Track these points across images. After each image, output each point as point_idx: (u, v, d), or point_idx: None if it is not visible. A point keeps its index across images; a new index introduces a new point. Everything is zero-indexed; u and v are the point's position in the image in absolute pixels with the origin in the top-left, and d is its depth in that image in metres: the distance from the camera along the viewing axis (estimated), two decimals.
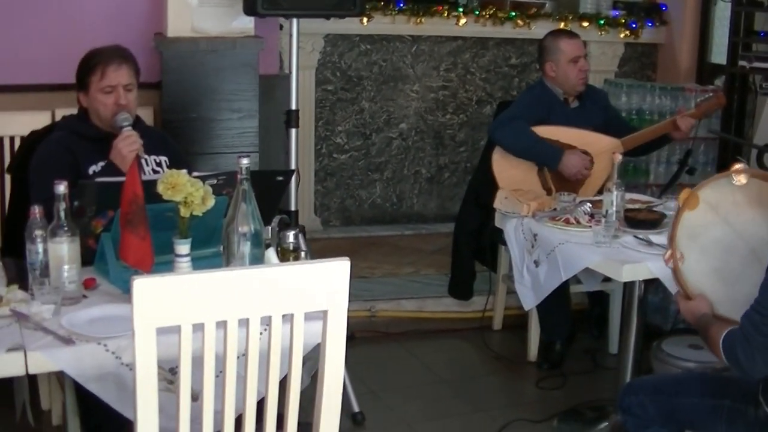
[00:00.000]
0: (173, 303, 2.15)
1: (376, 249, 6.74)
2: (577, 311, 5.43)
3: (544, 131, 4.97)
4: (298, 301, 2.27)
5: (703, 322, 2.99)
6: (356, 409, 4.46)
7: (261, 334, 2.29)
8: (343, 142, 7.07)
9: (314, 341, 2.47)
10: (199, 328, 2.20)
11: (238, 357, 2.26)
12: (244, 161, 2.90)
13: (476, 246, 5.48)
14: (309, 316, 2.33)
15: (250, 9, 4.59)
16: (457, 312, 5.66)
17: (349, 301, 5.40)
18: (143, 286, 2.12)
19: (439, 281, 5.89)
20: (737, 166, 3.10)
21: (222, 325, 2.21)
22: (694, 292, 3.08)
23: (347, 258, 2.32)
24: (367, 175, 7.18)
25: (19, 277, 3.10)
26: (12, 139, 4.65)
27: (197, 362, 2.24)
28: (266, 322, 2.27)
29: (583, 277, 4.79)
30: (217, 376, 2.27)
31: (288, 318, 2.29)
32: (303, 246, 4.73)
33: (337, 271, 2.29)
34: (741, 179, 3.01)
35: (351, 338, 5.22)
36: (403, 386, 4.87)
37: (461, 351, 5.37)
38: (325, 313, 2.32)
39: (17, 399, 2.88)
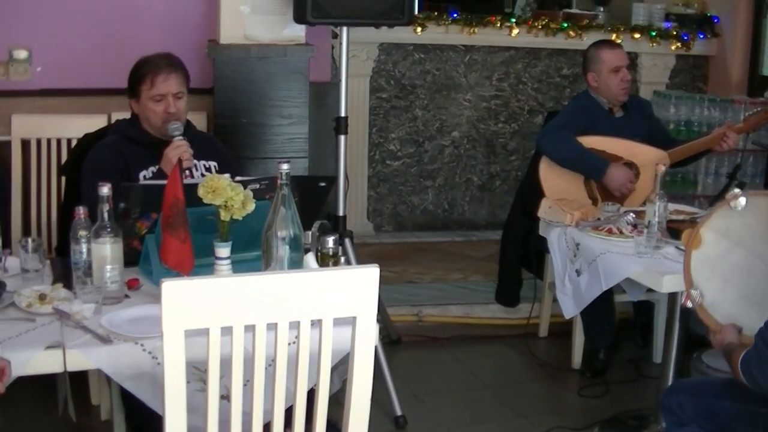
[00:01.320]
0: (202, 305, 2.13)
1: (427, 255, 6.70)
2: (622, 320, 5.36)
3: (590, 141, 4.89)
4: (327, 307, 2.23)
5: (728, 351, 2.96)
6: (399, 412, 4.41)
7: (291, 344, 2.25)
8: (396, 149, 7.05)
9: (347, 348, 2.43)
10: (229, 331, 2.18)
11: (269, 365, 2.24)
12: (284, 166, 2.88)
13: (523, 253, 5.43)
14: (340, 322, 2.30)
15: (299, 17, 4.57)
16: (504, 318, 5.61)
17: (397, 305, 5.45)
18: (172, 288, 2.10)
19: (487, 288, 5.84)
20: (732, 192, 3.04)
21: (251, 329, 2.18)
22: (724, 322, 3.02)
23: (377, 265, 2.28)
24: (420, 182, 7.15)
25: (65, 276, 3.11)
26: (69, 141, 4.69)
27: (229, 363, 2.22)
28: (296, 327, 2.24)
29: (627, 287, 4.71)
30: (246, 383, 2.25)
31: (317, 324, 2.26)
32: (350, 251, 4.73)
33: (366, 278, 2.24)
34: (740, 203, 2.95)
35: (398, 342, 5.25)
36: (446, 390, 4.82)
37: (506, 357, 5.31)
38: (354, 319, 2.28)
39: (59, 394, 2.87)
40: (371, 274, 2.24)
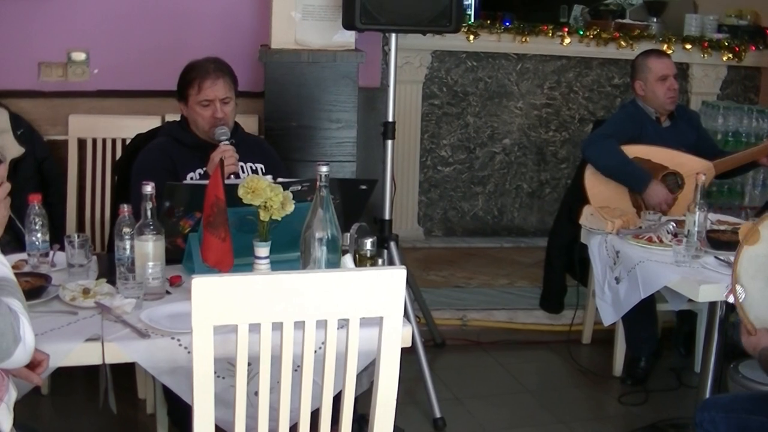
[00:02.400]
0: (230, 302, 2.15)
1: (475, 260, 6.69)
2: (666, 329, 5.31)
3: (636, 150, 4.86)
4: (353, 307, 2.24)
5: (764, 355, 2.91)
6: (438, 414, 4.41)
7: (317, 350, 2.27)
8: (447, 155, 7.05)
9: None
10: (259, 328, 2.20)
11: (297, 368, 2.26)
12: (323, 169, 2.89)
13: (568, 260, 5.39)
14: (369, 323, 2.31)
15: (348, 23, 4.58)
16: (548, 325, 5.58)
17: (443, 309, 5.44)
18: (202, 285, 2.12)
19: (532, 293, 5.82)
20: None
21: (279, 326, 2.20)
22: (758, 326, 2.98)
23: (404, 267, 2.28)
24: (470, 188, 7.14)
25: (110, 272, 3.15)
26: (123, 141, 4.75)
27: (274, 360, 2.24)
28: (323, 326, 2.25)
29: (669, 296, 4.67)
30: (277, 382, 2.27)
31: (345, 325, 2.27)
32: (395, 254, 4.74)
33: (393, 279, 2.25)
34: None
35: (442, 345, 5.26)
36: (487, 394, 4.81)
37: (548, 363, 5.29)
38: (380, 319, 2.28)
39: (100, 386, 2.91)
40: (398, 275, 2.25)
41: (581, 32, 6.92)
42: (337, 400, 2.36)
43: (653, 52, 5.19)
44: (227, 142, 3.81)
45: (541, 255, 5.79)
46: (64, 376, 4.31)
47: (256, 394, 2.29)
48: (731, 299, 3.01)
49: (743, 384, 4.04)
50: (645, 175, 4.78)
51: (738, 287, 2.98)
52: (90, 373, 2.89)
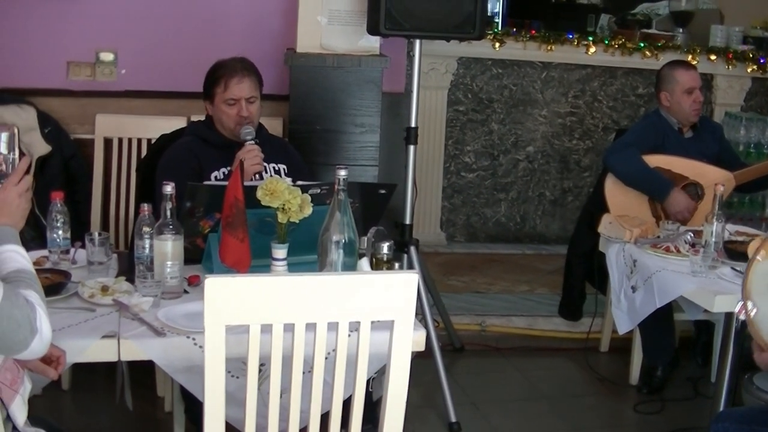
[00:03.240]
0: (242, 303, 2.15)
1: (496, 266, 6.69)
2: (684, 339, 5.29)
3: (658, 159, 4.84)
4: (365, 310, 2.24)
5: None
6: (453, 418, 4.39)
7: (327, 357, 2.27)
8: (471, 161, 7.04)
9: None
10: (270, 329, 2.21)
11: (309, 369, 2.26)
12: (342, 172, 2.89)
13: (588, 268, 5.37)
14: (381, 327, 2.31)
15: (373, 28, 4.59)
16: (566, 332, 5.57)
17: (462, 314, 5.43)
18: (214, 284, 2.13)
19: (552, 300, 5.81)
20: None
21: (290, 327, 2.21)
22: (767, 340, 2.95)
23: (416, 271, 2.28)
24: (493, 195, 7.14)
25: (130, 270, 3.16)
26: (149, 141, 4.77)
27: (286, 361, 2.25)
28: (335, 328, 2.25)
29: (686, 306, 4.65)
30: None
31: (357, 327, 2.27)
32: (415, 259, 4.74)
33: (405, 283, 2.24)
34: None
35: (461, 350, 5.25)
36: (503, 400, 4.80)
37: (566, 370, 5.27)
38: (392, 323, 2.28)
39: (117, 383, 2.93)
40: (410, 279, 2.24)
41: (606, 41, 6.90)
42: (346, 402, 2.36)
43: (681, 64, 5.16)
44: (252, 142, 3.82)
45: (562, 262, 5.78)
46: (85, 371, 4.32)
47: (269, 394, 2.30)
48: (743, 316, 2.99)
49: (757, 395, 4.01)
50: (666, 184, 4.76)
51: (749, 303, 2.96)
52: (111, 369, 2.90)
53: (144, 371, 3.80)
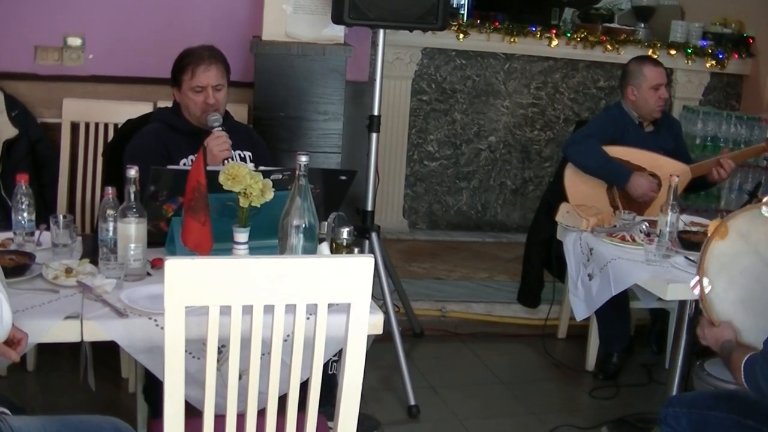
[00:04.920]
0: (202, 284, 2.16)
1: (457, 253, 6.72)
2: (640, 326, 5.36)
3: (616, 151, 4.88)
4: (322, 293, 2.26)
5: (726, 348, 2.94)
6: (412, 402, 4.43)
7: (288, 336, 2.29)
8: (434, 150, 7.07)
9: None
10: (230, 310, 2.22)
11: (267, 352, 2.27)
12: (303, 158, 2.91)
13: (546, 256, 5.42)
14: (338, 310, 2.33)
15: (337, 18, 4.60)
16: (524, 318, 5.62)
17: (422, 300, 5.46)
18: (175, 266, 2.14)
19: (510, 288, 5.84)
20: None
21: (249, 309, 2.22)
22: (720, 319, 3.01)
23: (372, 256, 2.30)
24: (455, 183, 7.17)
25: (94, 252, 3.16)
26: (116, 126, 4.75)
27: (245, 343, 2.26)
28: (292, 311, 2.27)
29: (641, 294, 4.69)
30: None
31: (314, 309, 2.29)
32: (376, 245, 4.76)
33: (361, 267, 2.27)
34: None
35: (420, 335, 5.28)
36: (462, 384, 4.84)
37: (523, 355, 5.32)
38: (348, 306, 2.30)
39: (81, 363, 2.94)
40: (366, 263, 2.26)
41: (569, 34, 6.94)
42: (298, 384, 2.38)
43: (649, 60, 5.18)
44: (220, 129, 3.83)
45: (521, 250, 5.81)
46: (50, 352, 4.33)
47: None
48: (697, 291, 3.04)
49: (707, 381, 4.07)
50: (626, 170, 4.81)
51: (705, 279, 3.01)
52: (75, 350, 2.91)
53: (109, 352, 3.79)
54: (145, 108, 4.66)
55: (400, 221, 7.04)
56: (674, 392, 4.01)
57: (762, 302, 2.97)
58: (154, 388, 3.35)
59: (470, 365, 5.10)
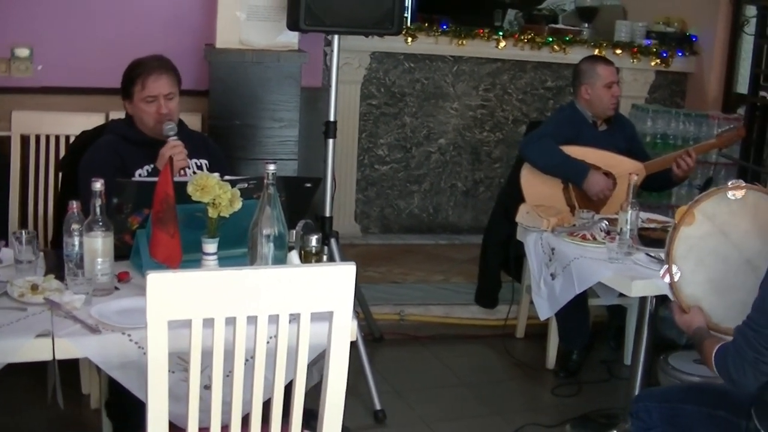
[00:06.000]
0: (185, 297, 2.14)
1: (411, 256, 6.71)
2: (597, 323, 5.37)
3: (571, 150, 4.90)
4: (304, 302, 2.24)
5: (698, 335, 2.97)
6: (378, 407, 4.42)
7: (269, 340, 2.27)
8: (384, 154, 7.06)
9: (325, 343, 2.44)
10: (211, 323, 2.19)
11: (250, 358, 2.25)
12: (271, 167, 2.88)
13: (503, 257, 5.44)
14: (318, 318, 2.31)
15: (293, 24, 4.58)
16: (483, 319, 5.62)
17: (381, 304, 5.44)
18: (157, 280, 2.11)
19: (467, 289, 5.85)
20: (734, 181, 3.05)
21: (232, 321, 2.19)
22: (689, 304, 3.05)
23: (353, 262, 2.28)
24: (406, 187, 7.17)
25: (58, 268, 3.11)
26: (67, 138, 4.67)
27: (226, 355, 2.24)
28: (275, 321, 2.25)
29: (601, 291, 4.73)
30: (228, 375, 2.26)
31: (296, 319, 2.27)
32: (336, 251, 4.74)
33: (343, 275, 2.26)
34: (738, 194, 2.97)
35: (380, 340, 5.26)
36: (425, 387, 4.83)
37: (484, 356, 5.32)
38: (330, 314, 2.29)
39: (48, 382, 2.89)
40: (348, 271, 2.26)
41: (516, 36, 6.97)
42: (286, 393, 2.35)
43: (600, 59, 5.23)
44: (175, 137, 3.79)
45: (475, 252, 5.83)
46: (7, 372, 4.23)
47: (206, 387, 2.29)
48: (667, 279, 3.06)
49: (673, 375, 4.12)
50: (583, 167, 4.84)
51: (674, 267, 3.04)
52: (33, 368, 2.85)
53: (67, 368, 3.73)
54: (98, 119, 4.59)
55: (352, 226, 7.02)
56: (638, 387, 4.04)
57: (729, 281, 3.02)
58: (117, 403, 3.31)
59: (432, 368, 5.09)
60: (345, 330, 2.31)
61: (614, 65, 5.17)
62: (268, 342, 2.26)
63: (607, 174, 4.88)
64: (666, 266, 3.07)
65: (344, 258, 5.00)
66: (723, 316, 3.01)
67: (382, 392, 4.51)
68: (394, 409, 4.49)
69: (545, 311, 4.24)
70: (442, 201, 7.28)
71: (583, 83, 5.05)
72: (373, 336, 5.30)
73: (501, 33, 6.98)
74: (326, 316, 2.31)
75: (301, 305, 2.24)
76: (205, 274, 2.18)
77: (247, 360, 2.27)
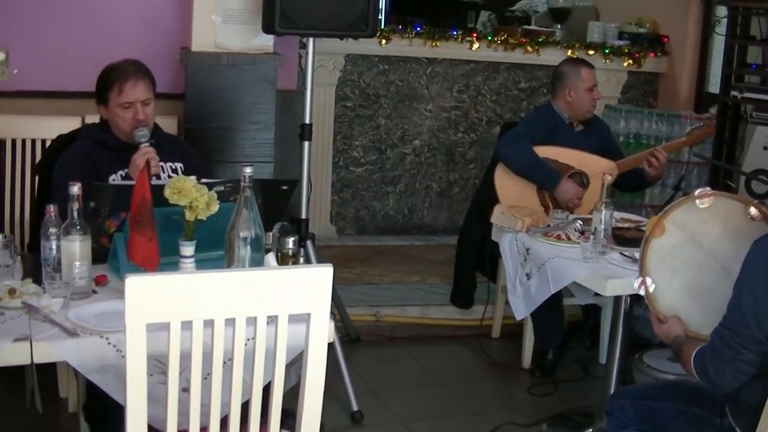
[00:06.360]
0: (163, 300, 2.14)
1: (387, 257, 6.73)
2: (572, 323, 5.42)
3: (546, 150, 4.93)
4: (282, 304, 2.25)
5: (677, 343, 3.00)
6: (355, 407, 4.43)
7: (247, 342, 2.28)
8: (359, 155, 7.07)
9: (302, 344, 2.45)
10: (189, 325, 2.20)
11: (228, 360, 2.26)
12: (248, 170, 2.90)
13: (478, 257, 5.47)
14: (296, 320, 2.32)
15: (268, 27, 4.60)
16: (459, 319, 5.64)
17: (357, 305, 5.46)
18: (135, 283, 2.12)
19: (443, 290, 5.88)
20: (702, 189, 3.08)
21: (210, 323, 2.20)
22: (667, 314, 3.07)
23: (331, 264, 2.30)
24: (381, 188, 7.18)
25: (35, 272, 3.11)
26: (43, 141, 4.66)
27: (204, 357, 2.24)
28: (253, 323, 2.26)
29: (576, 291, 4.75)
30: (206, 377, 2.27)
31: (274, 321, 2.28)
32: (312, 253, 4.75)
33: (320, 277, 2.27)
34: (705, 202, 3.00)
35: (356, 341, 5.27)
36: (402, 387, 4.85)
37: (460, 356, 5.34)
38: (308, 315, 2.30)
39: (26, 386, 2.89)
40: (325, 273, 2.27)
41: (490, 38, 7.00)
42: (264, 394, 2.37)
43: (582, 62, 5.22)
44: (147, 144, 3.78)
45: (450, 252, 5.85)
46: None
47: (184, 390, 2.29)
48: (642, 291, 3.09)
49: (647, 373, 4.15)
50: (555, 175, 4.86)
51: (648, 279, 3.07)
52: (10, 373, 2.85)
53: (45, 372, 3.72)
54: (73, 122, 4.58)
55: (328, 227, 7.03)
56: (613, 385, 4.07)
57: (705, 288, 3.04)
58: (94, 406, 3.30)
59: (409, 368, 5.11)
60: (322, 331, 2.32)
61: (594, 68, 5.20)
62: (246, 344, 2.27)
63: (580, 173, 4.91)
64: (640, 279, 3.10)
65: (320, 259, 5.02)
66: (701, 323, 3.03)
67: (359, 393, 4.53)
68: (371, 409, 4.51)
69: (521, 311, 4.26)
70: (417, 202, 7.30)
71: (566, 85, 5.06)
72: (350, 337, 5.31)
73: (475, 35, 7.00)
74: (304, 318, 2.32)
75: (278, 307, 2.25)
76: (182, 277, 2.19)
77: (225, 362, 2.28)
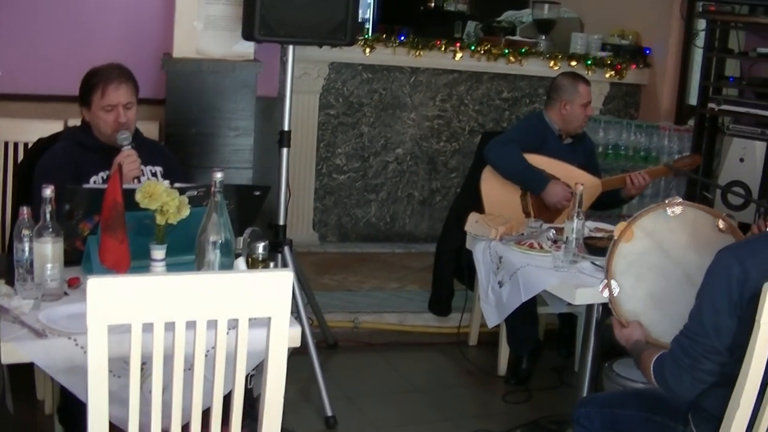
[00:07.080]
0: (124, 302, 2.16)
1: (368, 264, 6.74)
2: (549, 331, 5.45)
3: (534, 159, 4.96)
4: (243, 307, 2.27)
5: (637, 348, 3.03)
6: (329, 413, 4.46)
7: (207, 353, 2.30)
8: (342, 163, 7.09)
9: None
10: (151, 327, 2.22)
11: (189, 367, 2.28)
12: (218, 175, 2.92)
13: (456, 265, 5.49)
14: (258, 324, 2.34)
15: (248, 34, 4.62)
16: (436, 327, 5.66)
17: (335, 311, 5.48)
18: (97, 285, 2.14)
19: (421, 297, 5.89)
20: (672, 198, 3.12)
21: (172, 326, 2.23)
22: (629, 318, 3.10)
23: (291, 270, 2.33)
24: (364, 196, 7.20)
25: (9, 273, 3.12)
26: (26, 144, 4.67)
27: (167, 359, 2.26)
28: (213, 326, 2.28)
29: (550, 300, 4.78)
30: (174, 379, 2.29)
31: (235, 324, 2.30)
32: (289, 258, 4.77)
33: (280, 281, 2.29)
34: (676, 210, 3.03)
35: (334, 346, 5.29)
36: (378, 393, 4.87)
37: (437, 363, 5.37)
38: (269, 320, 2.32)
39: None
40: (285, 277, 2.29)
41: (473, 47, 7.04)
42: (228, 398, 2.39)
43: (580, 77, 5.23)
44: (129, 147, 3.80)
45: (431, 260, 5.87)
46: None
47: (151, 392, 2.31)
48: (606, 294, 3.12)
49: (616, 381, 4.17)
50: (544, 177, 4.91)
51: (613, 282, 3.10)
52: None
53: (22, 374, 3.75)
54: (56, 126, 4.58)
55: (310, 234, 7.04)
56: (585, 393, 4.08)
57: (669, 296, 3.08)
58: (68, 409, 3.32)
59: (385, 374, 5.14)
60: (283, 335, 2.34)
61: (590, 85, 5.24)
62: (207, 353, 2.29)
63: (567, 186, 4.94)
64: (605, 282, 3.13)
65: (299, 266, 5.04)
66: (663, 331, 3.06)
67: (334, 398, 4.55)
68: (346, 414, 4.53)
69: (493, 318, 4.29)
70: (399, 210, 7.31)
71: (563, 99, 5.09)
72: (327, 343, 5.33)
73: (458, 44, 7.02)
74: (266, 323, 2.34)
75: (239, 311, 2.28)
76: (142, 279, 2.21)
77: (187, 369, 2.30)
